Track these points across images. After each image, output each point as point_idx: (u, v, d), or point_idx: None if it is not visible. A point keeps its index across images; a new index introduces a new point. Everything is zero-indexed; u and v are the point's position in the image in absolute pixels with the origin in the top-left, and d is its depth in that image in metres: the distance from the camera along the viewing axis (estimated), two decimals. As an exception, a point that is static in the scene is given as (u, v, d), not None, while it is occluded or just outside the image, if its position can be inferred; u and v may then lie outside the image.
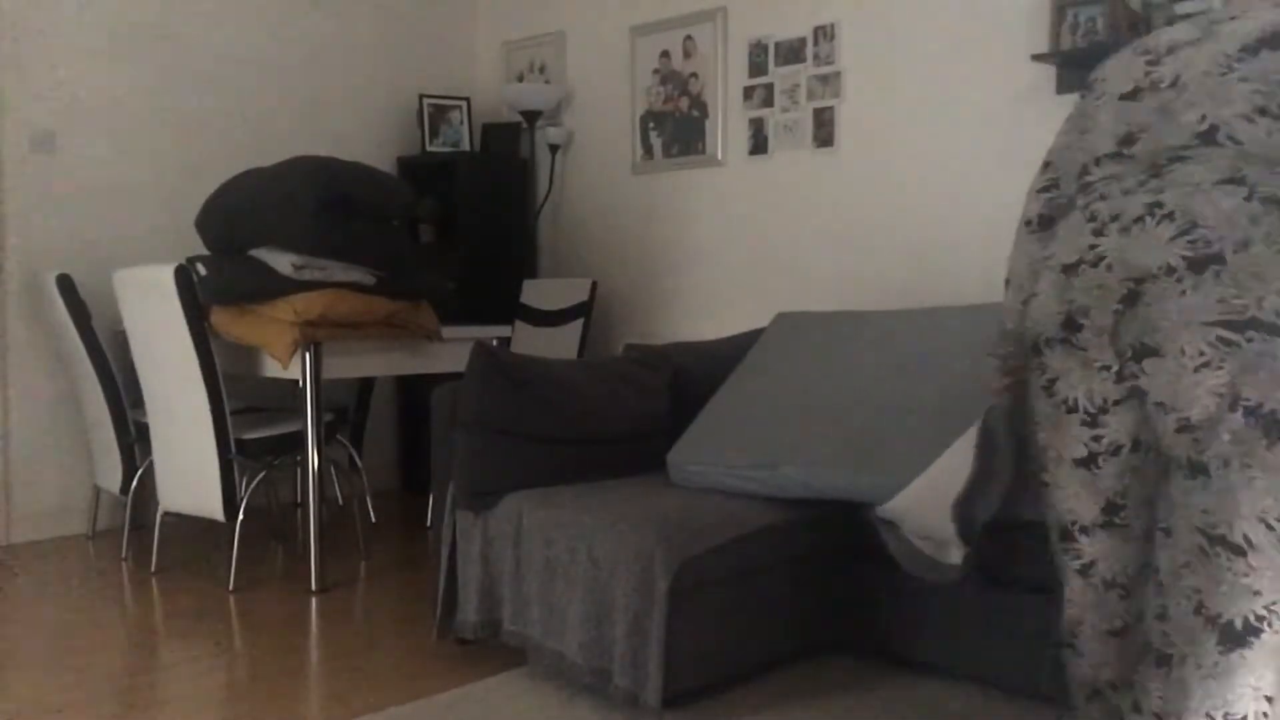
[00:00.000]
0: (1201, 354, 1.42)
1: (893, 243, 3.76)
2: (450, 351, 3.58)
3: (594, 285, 4.41)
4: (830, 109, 3.92)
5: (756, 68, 4.13)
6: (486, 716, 2.29)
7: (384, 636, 2.85)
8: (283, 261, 3.19)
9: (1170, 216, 1.46)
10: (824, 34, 3.92)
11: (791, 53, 4.02)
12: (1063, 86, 3.34)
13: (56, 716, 2.31)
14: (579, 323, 4.40)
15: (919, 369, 2.72)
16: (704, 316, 4.34)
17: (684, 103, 4.38)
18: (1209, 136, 1.50)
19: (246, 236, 3.28)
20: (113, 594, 3.27)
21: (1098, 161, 1.64)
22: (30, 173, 3.93)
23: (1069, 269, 1.58)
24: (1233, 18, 1.59)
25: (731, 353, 3.21)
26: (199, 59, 4.35)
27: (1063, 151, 1.74)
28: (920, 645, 2.51)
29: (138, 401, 3.58)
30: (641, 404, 2.90)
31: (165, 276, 3.21)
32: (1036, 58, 3.32)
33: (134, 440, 3.69)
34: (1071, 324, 1.57)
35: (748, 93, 4.16)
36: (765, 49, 4.09)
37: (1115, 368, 1.55)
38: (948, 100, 3.62)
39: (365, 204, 3.27)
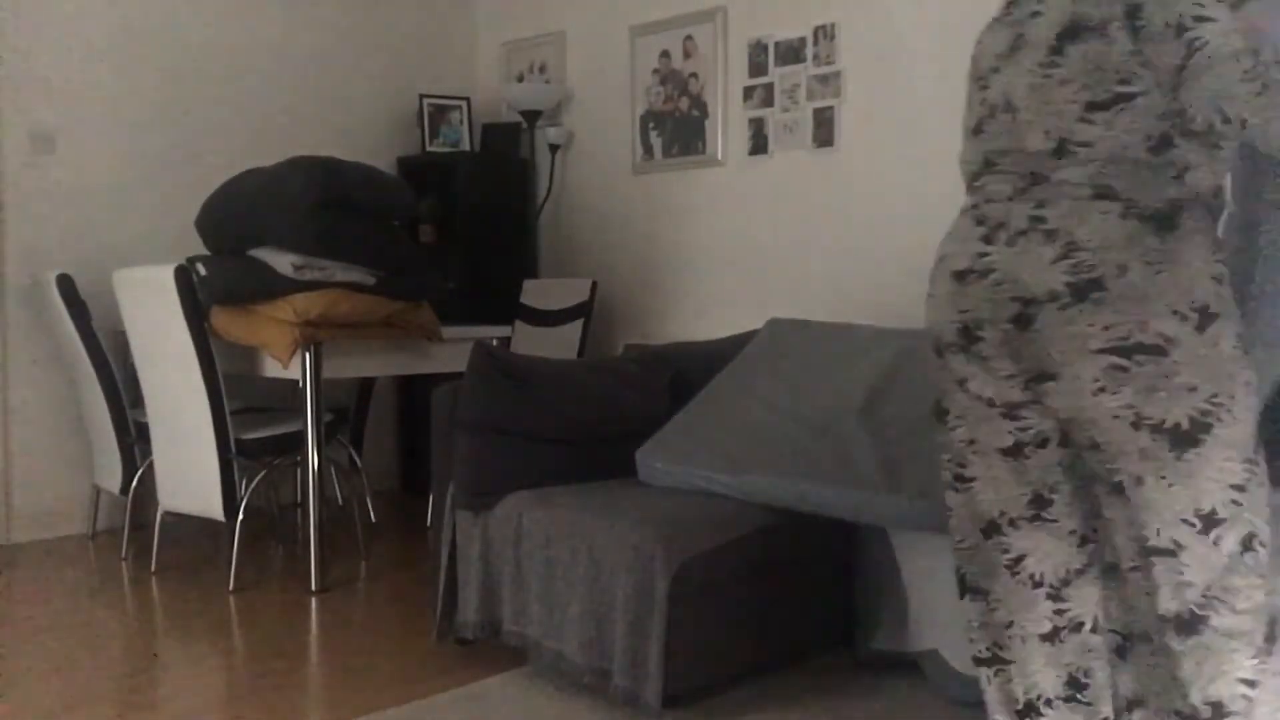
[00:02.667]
0: (1096, 380, 1.44)
1: (892, 242, 3.76)
2: (450, 351, 3.58)
3: (594, 285, 4.41)
4: (830, 109, 3.92)
5: (756, 68, 4.13)
6: (486, 716, 2.29)
7: (384, 636, 2.85)
8: (283, 261, 3.19)
9: (1052, 236, 1.46)
10: (824, 34, 3.92)
11: (791, 53, 4.02)
12: (1063, 86, 3.33)
13: (57, 716, 2.32)
14: (579, 323, 4.39)
15: (900, 387, 2.69)
16: (704, 317, 4.34)
17: (684, 103, 4.38)
18: (1060, 151, 1.48)
19: (247, 236, 3.28)
20: (113, 594, 3.27)
21: (978, 174, 1.63)
22: (30, 173, 3.93)
23: (960, 276, 1.57)
24: (1034, 14, 1.55)
25: (731, 353, 3.20)
26: (199, 59, 4.35)
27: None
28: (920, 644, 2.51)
29: (138, 401, 3.58)
30: (641, 404, 2.90)
31: (165, 276, 3.21)
32: (1036, 58, 3.31)
33: (134, 440, 3.69)
34: (969, 335, 1.57)
35: (748, 93, 4.16)
36: (765, 49, 4.09)
37: (1020, 379, 1.54)
38: (948, 100, 3.62)
39: (365, 204, 3.27)
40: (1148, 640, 1.55)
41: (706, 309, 4.34)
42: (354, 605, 3.14)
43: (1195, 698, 1.47)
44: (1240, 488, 1.45)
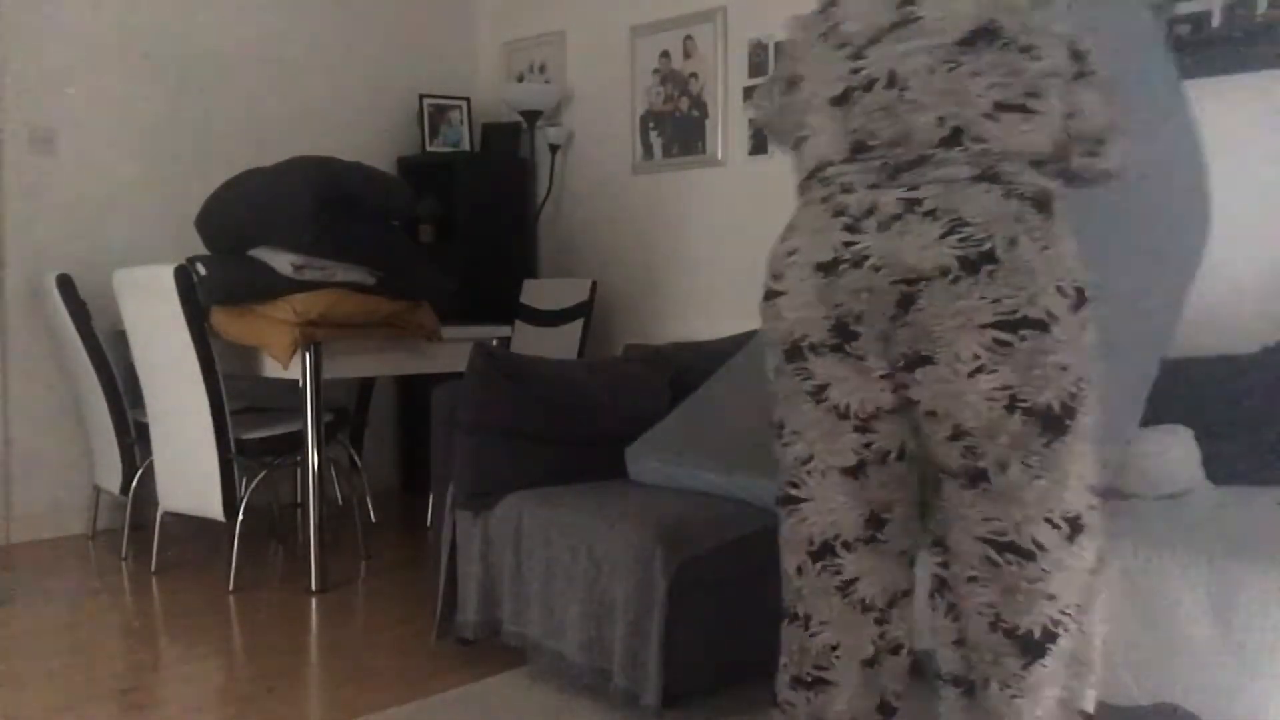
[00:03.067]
0: (976, 357, 1.37)
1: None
2: (450, 351, 3.58)
3: (594, 285, 4.41)
4: (830, 109, 3.91)
5: (756, 68, 4.13)
6: (486, 716, 2.29)
7: (384, 636, 2.85)
8: (283, 261, 3.19)
9: (933, 214, 1.38)
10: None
11: (791, 53, 4.01)
12: (1063, 86, 3.34)
13: (57, 716, 2.32)
14: (579, 323, 4.40)
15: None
16: (704, 316, 4.34)
17: (684, 103, 4.38)
18: (953, 140, 1.41)
19: (246, 236, 3.28)
20: (113, 594, 3.27)
21: (830, 163, 1.51)
22: (30, 173, 3.93)
23: (826, 268, 1.45)
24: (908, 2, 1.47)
25: (731, 353, 3.20)
26: (199, 59, 4.35)
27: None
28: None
29: (138, 401, 3.58)
30: (642, 404, 2.90)
31: (165, 276, 3.21)
32: (1036, 58, 3.31)
33: (134, 440, 3.69)
34: (844, 331, 1.46)
35: (748, 93, 4.16)
36: (765, 49, 4.09)
37: (891, 378, 1.46)
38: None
39: (365, 204, 3.27)
40: (970, 691, 1.46)
41: (706, 309, 4.34)
42: (354, 605, 3.14)
43: None
44: (1095, 490, 1.41)
